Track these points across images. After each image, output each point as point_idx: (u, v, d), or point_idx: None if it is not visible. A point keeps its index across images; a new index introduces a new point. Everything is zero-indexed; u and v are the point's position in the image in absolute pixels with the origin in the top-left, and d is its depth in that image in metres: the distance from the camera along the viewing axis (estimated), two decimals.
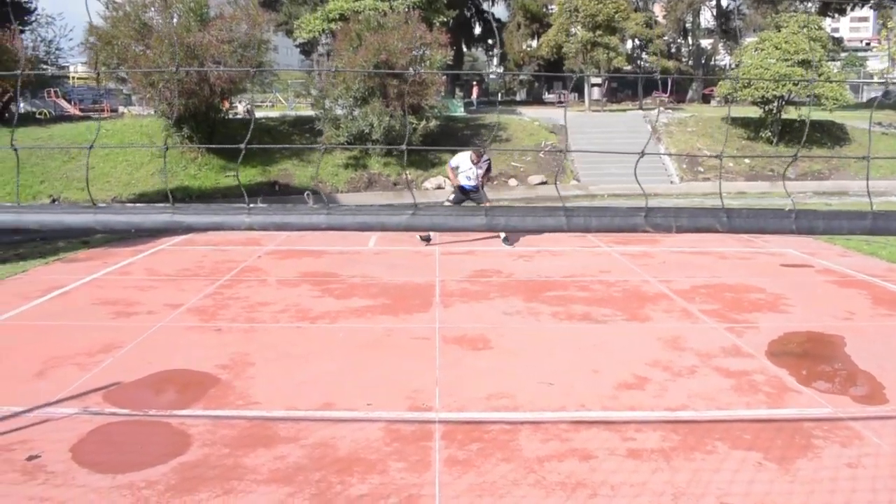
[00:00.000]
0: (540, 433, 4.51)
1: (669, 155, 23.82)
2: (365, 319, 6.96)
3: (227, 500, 3.70)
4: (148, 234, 11.55)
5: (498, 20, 50.91)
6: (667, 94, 41.84)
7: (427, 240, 11.24)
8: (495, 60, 56.99)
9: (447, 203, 11.03)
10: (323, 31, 33.66)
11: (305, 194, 18.56)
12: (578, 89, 42.49)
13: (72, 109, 34.19)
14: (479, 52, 60.06)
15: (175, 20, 20.70)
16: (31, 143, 18.97)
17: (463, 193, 11.25)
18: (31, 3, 32.84)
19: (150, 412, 4.78)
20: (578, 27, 34.62)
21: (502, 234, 11.11)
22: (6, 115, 21.86)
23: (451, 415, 4.78)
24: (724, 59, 49.99)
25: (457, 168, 11.26)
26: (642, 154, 1.95)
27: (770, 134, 25.11)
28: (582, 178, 22.79)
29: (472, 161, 11.06)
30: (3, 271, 9.26)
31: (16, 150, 1.88)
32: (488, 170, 11.61)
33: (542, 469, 4.04)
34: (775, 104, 24.36)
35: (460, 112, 29.69)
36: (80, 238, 11.65)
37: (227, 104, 21.99)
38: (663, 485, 3.87)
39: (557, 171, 23.16)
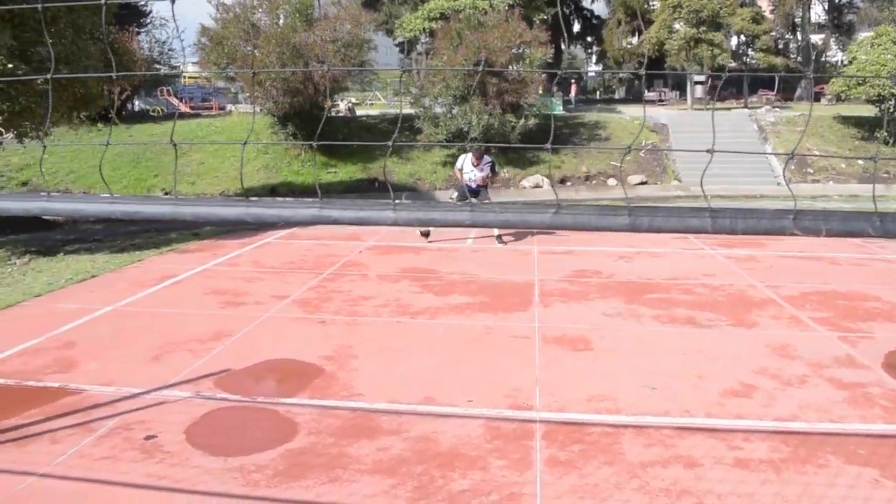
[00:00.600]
0: (643, 437, 4.43)
1: (777, 155, 22.95)
2: (464, 316, 6.99)
3: (332, 488, 3.79)
4: (254, 228, 11.95)
5: (598, 17, 50.17)
6: (774, 93, 40.30)
7: (426, 235, 11.32)
8: (594, 58, 56.15)
9: (451, 200, 12.04)
10: (423, 30, 33.96)
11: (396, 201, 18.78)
12: (680, 87, 41.43)
13: (183, 107, 35.68)
14: (577, 50, 59.35)
15: (282, 21, 21.33)
16: (146, 139, 19.93)
17: (468, 192, 11.25)
18: (147, 6, 34.50)
19: (258, 399, 4.95)
20: (681, 23, 33.73)
21: (496, 231, 11.32)
22: (124, 112, 23.07)
23: (552, 415, 4.75)
24: (835, 55, 47.73)
25: (461, 169, 11.29)
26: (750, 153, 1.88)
27: (886, 134, 23.85)
28: (683, 178, 22.23)
29: (472, 163, 11.10)
30: (122, 260, 9.76)
31: (174, 144, 1.97)
32: (493, 171, 11.55)
33: (646, 474, 3.96)
34: (893, 102, 23.11)
35: (559, 110, 29.44)
36: (191, 230, 12.16)
37: (329, 102, 22.54)
38: (772, 497, 3.73)
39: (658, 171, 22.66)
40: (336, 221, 1.64)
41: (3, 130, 10.97)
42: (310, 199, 1.64)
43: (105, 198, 1.42)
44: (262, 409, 4.79)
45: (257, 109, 21.94)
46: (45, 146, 12.70)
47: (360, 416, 4.68)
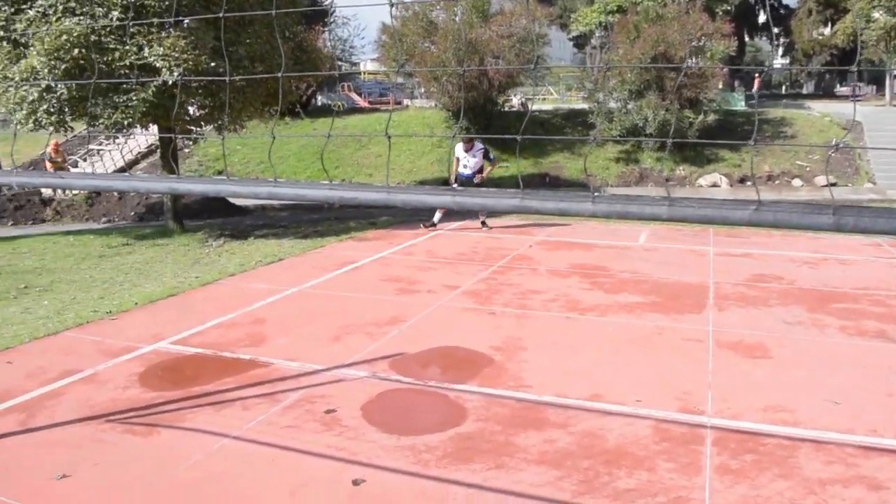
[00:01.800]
0: (822, 454, 4.19)
1: None
2: (634, 315, 6.88)
3: (498, 474, 3.88)
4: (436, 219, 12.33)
5: (786, 6, 47.28)
6: None
7: (433, 225, 11.84)
8: (780, 51, 52.92)
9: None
10: (599, 23, 33.49)
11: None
12: (878, 81, 38.23)
13: (362, 102, 37.20)
14: (762, 42, 56.16)
15: (458, 17, 21.78)
16: (327, 133, 20.99)
17: (463, 181, 11.64)
18: (330, 5, 36.23)
19: (429, 383, 5.13)
20: (881, 12, 31.10)
21: (482, 217, 11.93)
22: (308, 107, 24.42)
23: (725, 422, 4.58)
24: None
25: (458, 158, 11.76)
26: None
27: None
28: (878, 180, 20.55)
29: (464, 150, 11.56)
30: (306, 246, 10.39)
31: (389, 137, 2.11)
32: (488, 158, 11.73)
33: (824, 492, 3.75)
34: None
35: (741, 106, 28.06)
36: (369, 220, 12.73)
37: (503, 98, 22.72)
38: None
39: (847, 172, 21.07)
40: (537, 211, 1.69)
41: (203, 124, 11.97)
42: (512, 190, 1.71)
43: (325, 184, 1.56)
44: (433, 393, 4.97)
45: (432, 104, 22.57)
46: (263, 137, 13.72)
47: (528, 407, 4.74)
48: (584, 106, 23.18)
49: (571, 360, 5.63)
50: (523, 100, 28.18)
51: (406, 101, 34.04)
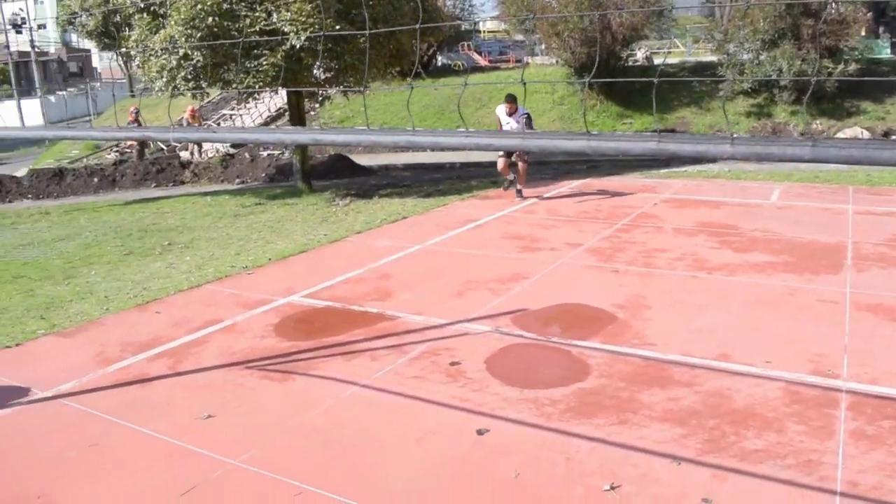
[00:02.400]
0: None
1: None
2: (765, 276, 6.63)
3: (621, 430, 3.88)
4: (550, 177, 12.21)
5: None
6: None
7: (512, 182, 10.96)
8: None
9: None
10: None
11: None
12: None
13: (482, 61, 37.00)
14: None
15: None
16: (449, 92, 21.08)
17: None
18: None
19: (552, 339, 5.16)
20: None
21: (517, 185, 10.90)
22: (430, 67, 24.55)
23: (861, 386, 4.38)
24: None
25: (499, 120, 10.75)
26: None
27: None
28: None
29: (507, 112, 10.50)
30: (428, 204, 10.56)
31: (525, 83, 2.11)
32: (529, 124, 10.49)
33: None
34: None
35: (886, 53, 26.03)
36: (490, 178, 12.75)
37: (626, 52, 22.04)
38: None
39: None
40: (674, 154, 1.67)
41: (327, 87, 12.28)
42: (648, 134, 1.69)
43: (462, 132, 1.60)
44: (556, 349, 5.00)
45: (553, 60, 22.20)
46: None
47: (652, 364, 4.69)
48: (713, 58, 22.12)
49: (698, 320, 5.51)
50: (648, 53, 27.24)
51: (527, 59, 33.61)
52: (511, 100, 10.47)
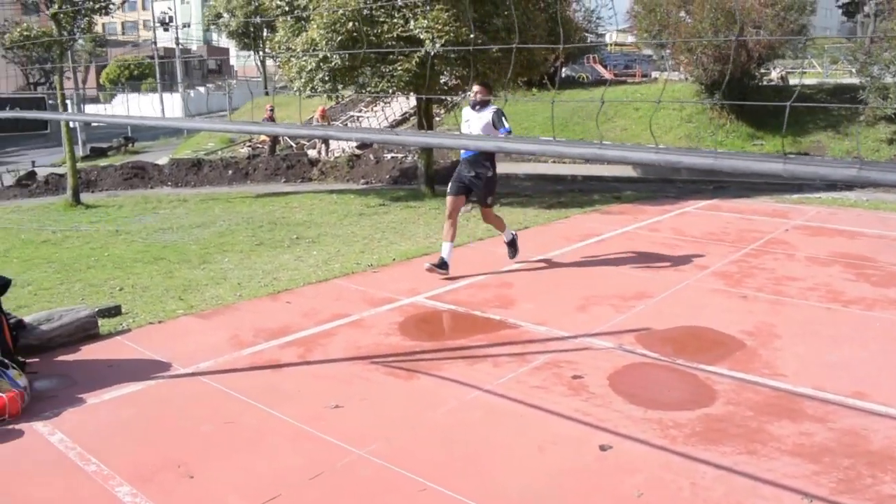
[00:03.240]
0: None
1: None
2: None
3: (749, 460, 3.77)
4: (674, 196, 11.96)
5: None
6: None
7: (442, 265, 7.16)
8: None
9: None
10: None
11: None
12: None
13: (607, 74, 36.57)
14: None
15: None
16: (574, 105, 20.94)
17: (462, 170, 7.32)
18: None
19: (677, 361, 5.07)
20: None
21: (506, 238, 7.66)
22: (554, 79, 24.45)
23: None
24: None
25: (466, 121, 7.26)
26: None
27: None
28: None
29: (472, 105, 7.14)
30: (550, 216, 10.56)
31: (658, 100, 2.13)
32: (502, 123, 6.93)
33: None
34: None
35: None
36: (613, 194, 12.62)
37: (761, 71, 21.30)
38: None
39: None
40: (876, 183, 1.63)
41: (460, 93, 12.45)
42: (849, 159, 1.65)
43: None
44: (681, 371, 4.90)
45: (685, 77, 21.69)
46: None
47: (783, 396, 4.53)
48: (853, 80, 21.05)
49: (832, 353, 5.28)
50: (783, 73, 26.20)
51: (654, 74, 32.97)
52: (482, 87, 7.33)
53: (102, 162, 22.27)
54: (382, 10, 10.63)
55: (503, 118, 6.96)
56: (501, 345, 5.39)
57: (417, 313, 6.16)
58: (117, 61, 50.23)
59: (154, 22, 39.17)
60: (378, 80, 10.77)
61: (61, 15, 12.46)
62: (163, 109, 35.22)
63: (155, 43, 37.48)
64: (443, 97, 12.34)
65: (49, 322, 5.61)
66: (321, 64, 10.83)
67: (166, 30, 43.64)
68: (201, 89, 47.61)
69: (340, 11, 10.36)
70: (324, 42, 10.50)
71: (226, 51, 60.72)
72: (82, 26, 13.62)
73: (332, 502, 3.39)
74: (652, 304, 6.33)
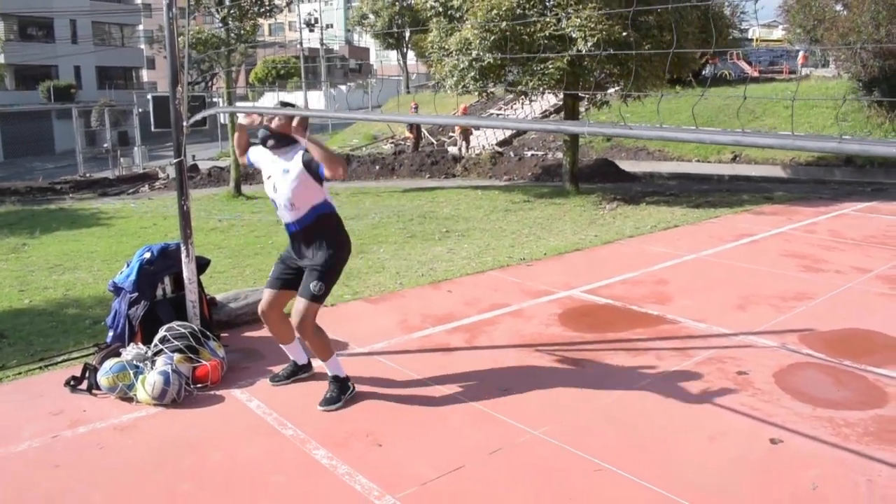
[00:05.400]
0: None
1: None
2: None
3: None
4: (830, 197, 11.56)
5: None
6: None
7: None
8: None
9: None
10: None
11: None
12: None
13: (751, 71, 35.26)
14: None
15: None
16: (719, 102, 20.44)
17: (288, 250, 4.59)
18: None
19: (844, 362, 5.03)
20: None
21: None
22: (699, 76, 23.89)
23: None
24: None
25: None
26: None
27: None
28: None
29: (262, 138, 4.31)
30: (699, 215, 10.47)
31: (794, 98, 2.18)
32: (316, 174, 4.19)
33: None
34: None
35: None
36: (763, 194, 12.33)
37: None
38: None
39: None
40: None
41: (611, 89, 12.49)
42: None
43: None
44: (849, 372, 4.87)
45: (838, 73, 20.72)
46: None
47: None
48: None
49: None
50: None
51: (805, 71, 31.56)
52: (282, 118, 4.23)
53: None
54: (535, 10, 10.85)
55: (314, 162, 4.15)
56: (662, 339, 5.51)
57: (575, 306, 6.36)
58: (265, 62, 52.97)
59: (300, 24, 41.09)
60: (529, 78, 11.01)
61: (230, 19, 13.40)
62: (306, 106, 36.89)
63: (301, 44, 39.27)
64: (593, 94, 12.39)
65: (236, 301, 6.20)
66: (473, 63, 11.18)
67: (311, 31, 45.67)
68: (343, 87, 49.47)
69: (494, 11, 10.67)
70: (477, 41, 10.85)
71: (366, 51, 62.78)
72: (248, 28, 14.61)
73: (513, 475, 3.65)
74: (813, 306, 6.26)
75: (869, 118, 18.96)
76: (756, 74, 33.81)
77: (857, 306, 6.28)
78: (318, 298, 4.31)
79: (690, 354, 5.17)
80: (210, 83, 46.20)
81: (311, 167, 4.17)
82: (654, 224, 9.82)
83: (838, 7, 19.33)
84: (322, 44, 46.29)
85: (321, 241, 4.34)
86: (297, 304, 4.30)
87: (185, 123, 4.97)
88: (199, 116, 5.05)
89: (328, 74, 49.14)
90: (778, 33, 44.38)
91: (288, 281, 4.49)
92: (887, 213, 10.71)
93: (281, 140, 4.24)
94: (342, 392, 4.48)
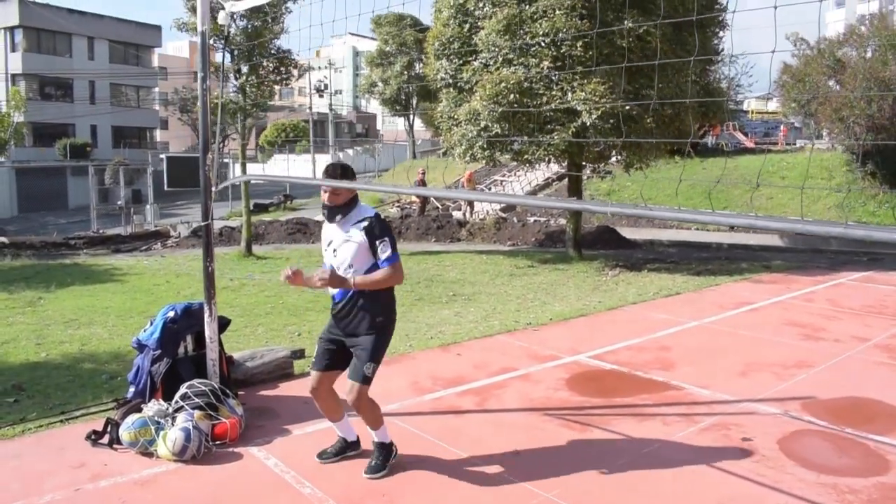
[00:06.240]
0: None
1: None
2: None
3: None
4: (826, 266, 11.79)
5: None
6: None
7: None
8: None
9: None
10: None
11: None
12: None
13: (747, 142, 35.97)
14: None
15: (869, 54, 20.31)
16: (717, 172, 20.89)
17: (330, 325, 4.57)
18: (718, 45, 35.56)
19: (845, 430, 5.17)
20: None
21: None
22: (697, 147, 24.44)
23: None
24: None
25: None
26: None
27: None
28: None
29: (326, 213, 4.34)
30: (700, 283, 10.68)
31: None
32: (380, 239, 4.23)
33: None
34: None
35: None
36: (761, 262, 12.57)
37: None
38: None
39: None
40: None
41: (615, 158, 12.85)
42: None
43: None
44: (850, 440, 5.01)
45: (832, 146, 21.24)
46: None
47: None
48: None
49: None
50: None
51: (799, 142, 32.23)
52: (335, 195, 4.26)
53: (264, 217, 24.01)
54: (541, 84, 11.27)
55: (385, 236, 4.23)
56: (668, 405, 5.65)
57: (582, 371, 6.51)
58: (275, 125, 54.12)
59: (310, 89, 42.16)
60: (535, 148, 11.38)
61: (247, 86, 13.87)
62: (314, 170, 37.53)
63: (311, 108, 40.22)
64: (596, 165, 12.77)
65: (252, 360, 6.36)
66: (482, 132, 11.56)
67: (321, 96, 46.79)
68: (350, 151, 50.33)
69: (503, 84, 11.09)
70: (486, 112, 11.24)
71: (373, 116, 64.11)
72: (265, 94, 15.10)
73: None
74: (814, 374, 6.42)
75: (864, 189, 19.38)
76: (752, 145, 34.48)
77: (856, 375, 6.44)
78: (370, 380, 4.31)
79: (695, 420, 5.30)
80: (222, 145, 47.11)
81: (372, 235, 4.20)
82: (656, 291, 10.03)
83: (831, 83, 19.95)
84: (331, 109, 47.37)
85: (369, 312, 4.30)
86: (352, 387, 4.27)
87: (213, 188, 5.22)
88: (227, 183, 5.29)
89: (336, 138, 50.08)
90: (773, 105, 45.37)
91: (334, 360, 4.46)
92: (883, 283, 10.92)
93: (345, 211, 4.27)
94: (387, 459, 4.50)
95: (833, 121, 19.41)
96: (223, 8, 5.15)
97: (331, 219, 4.31)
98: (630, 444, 4.90)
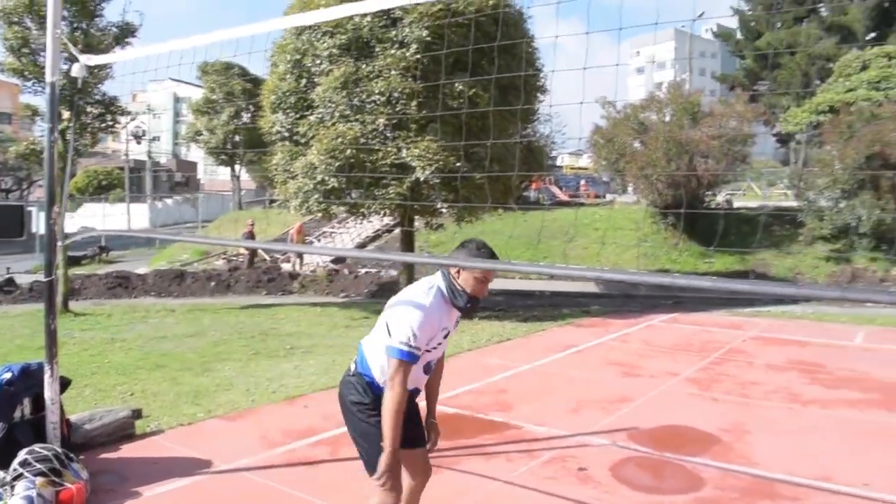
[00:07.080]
0: None
1: None
2: (858, 410, 7.12)
3: None
4: (638, 310, 12.91)
5: None
6: None
7: None
8: None
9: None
10: (809, 123, 32.90)
11: None
12: None
13: (562, 195, 38.41)
14: None
15: (668, 118, 22.63)
16: (537, 224, 22.23)
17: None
18: (538, 108, 38.11)
19: (665, 454, 5.79)
20: None
21: None
22: (518, 200, 25.94)
23: None
24: None
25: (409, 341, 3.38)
26: None
27: None
28: None
29: (449, 300, 3.58)
30: (528, 329, 11.37)
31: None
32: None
33: None
34: None
35: None
36: (581, 308, 13.54)
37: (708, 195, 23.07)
38: None
39: None
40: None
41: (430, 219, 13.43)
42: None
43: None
44: (670, 463, 5.62)
45: (640, 201, 23.32)
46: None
47: (760, 481, 5.26)
48: (792, 203, 22.91)
49: (798, 445, 6.05)
50: (727, 196, 28.18)
51: (608, 196, 34.94)
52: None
53: (79, 270, 22.58)
54: (377, 140, 11.67)
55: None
56: (510, 443, 6.06)
57: None
58: (86, 171, 51.07)
59: (127, 135, 40.37)
60: (371, 202, 11.72)
61: (68, 132, 13.24)
62: (129, 220, 35.82)
63: (127, 155, 38.47)
64: (429, 218, 13.31)
65: (91, 422, 6.12)
66: (318, 186, 11.75)
67: (139, 143, 44.92)
68: (168, 201, 48.50)
69: (340, 139, 11.38)
70: (322, 166, 11.46)
71: (194, 164, 62.22)
72: (87, 143, 14.44)
73: None
74: (635, 407, 7.09)
75: (666, 239, 21.37)
76: (566, 198, 36.86)
77: (671, 406, 7.18)
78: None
79: (536, 455, 5.73)
80: (26, 191, 43.77)
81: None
82: (488, 338, 10.57)
83: (637, 144, 22.02)
84: (150, 156, 45.56)
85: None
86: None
87: (60, 243, 5.08)
88: (75, 239, 5.17)
89: (154, 187, 48.12)
90: (584, 160, 48.90)
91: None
92: (688, 323, 12.14)
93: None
94: None
95: (639, 177, 21.35)
96: (77, 60, 5.08)
97: (473, 308, 3.70)
98: (480, 481, 5.22)
